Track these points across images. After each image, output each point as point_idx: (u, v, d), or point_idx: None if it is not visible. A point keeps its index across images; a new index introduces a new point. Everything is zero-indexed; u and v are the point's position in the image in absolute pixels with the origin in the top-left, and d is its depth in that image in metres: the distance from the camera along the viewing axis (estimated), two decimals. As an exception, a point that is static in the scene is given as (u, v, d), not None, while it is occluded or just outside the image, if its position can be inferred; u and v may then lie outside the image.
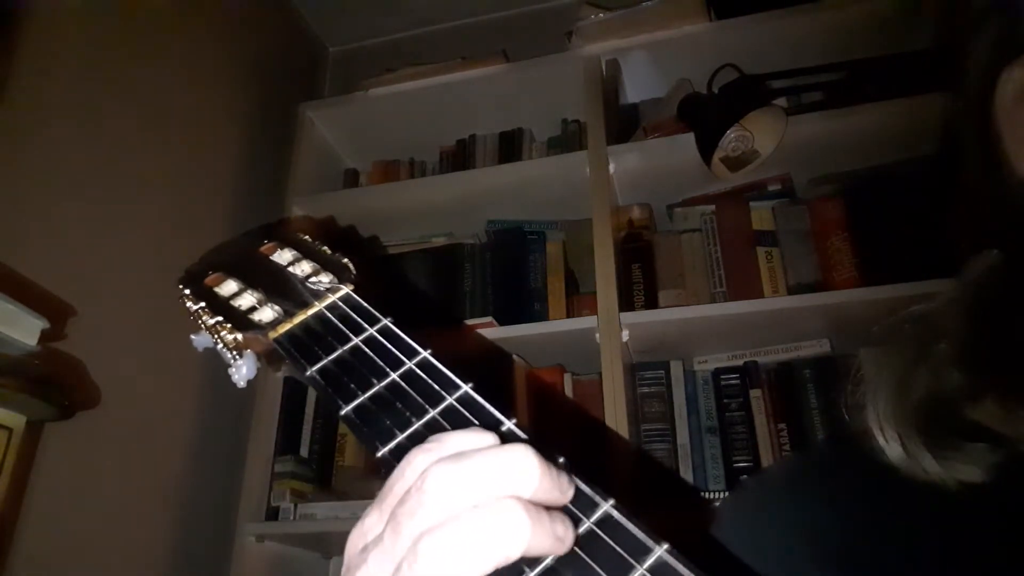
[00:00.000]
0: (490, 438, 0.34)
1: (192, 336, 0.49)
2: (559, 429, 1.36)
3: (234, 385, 0.49)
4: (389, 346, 0.42)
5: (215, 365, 1.54)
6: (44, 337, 0.99)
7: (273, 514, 1.35)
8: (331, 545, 1.46)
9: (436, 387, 0.40)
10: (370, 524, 0.33)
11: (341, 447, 1.44)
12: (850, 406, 0.46)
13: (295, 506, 1.35)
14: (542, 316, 1.42)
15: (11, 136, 1.13)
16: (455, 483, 0.31)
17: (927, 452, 0.41)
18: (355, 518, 1.17)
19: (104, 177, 1.29)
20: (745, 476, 1.24)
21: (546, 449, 0.34)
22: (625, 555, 0.31)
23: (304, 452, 1.44)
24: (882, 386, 0.45)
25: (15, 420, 1.00)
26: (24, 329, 0.97)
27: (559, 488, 0.32)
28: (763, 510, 0.46)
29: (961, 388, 0.42)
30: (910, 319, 0.47)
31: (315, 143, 1.72)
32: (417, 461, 0.33)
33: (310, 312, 0.45)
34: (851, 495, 0.44)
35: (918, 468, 0.41)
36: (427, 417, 0.38)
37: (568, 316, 1.41)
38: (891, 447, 0.43)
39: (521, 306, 1.44)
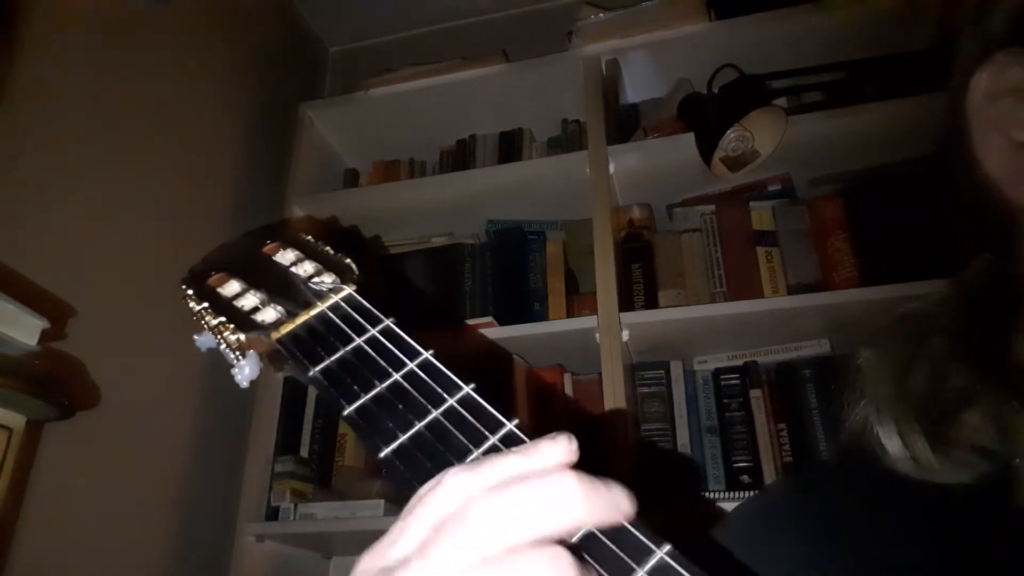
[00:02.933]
0: (535, 462, 0.32)
1: (195, 336, 0.49)
2: (560, 428, 1.36)
3: (236, 385, 0.49)
4: (391, 347, 0.42)
5: (215, 365, 1.53)
6: (44, 337, 0.99)
7: (273, 514, 1.35)
8: (331, 545, 1.46)
9: (438, 388, 0.40)
10: (394, 541, 0.31)
11: (341, 447, 1.44)
12: (847, 402, 0.47)
13: (295, 506, 1.35)
14: (542, 316, 1.42)
15: (11, 136, 1.12)
16: (501, 517, 0.29)
17: (923, 439, 0.41)
18: (355, 518, 1.16)
19: (104, 177, 1.29)
20: (743, 482, 1.24)
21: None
22: (625, 557, 0.31)
23: (304, 452, 1.44)
24: (881, 375, 0.45)
25: (15, 420, 1.00)
26: (24, 329, 0.97)
27: (615, 507, 0.31)
28: (758, 540, 0.46)
29: (957, 389, 0.42)
30: (904, 315, 0.47)
31: (315, 143, 1.72)
32: (458, 485, 0.31)
33: (313, 312, 0.45)
34: (846, 519, 0.43)
35: (910, 462, 0.42)
36: (429, 418, 0.38)
37: (568, 316, 1.41)
38: (887, 432, 0.43)
39: (521, 306, 1.44)
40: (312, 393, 1.50)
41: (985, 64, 0.41)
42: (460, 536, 0.29)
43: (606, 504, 0.30)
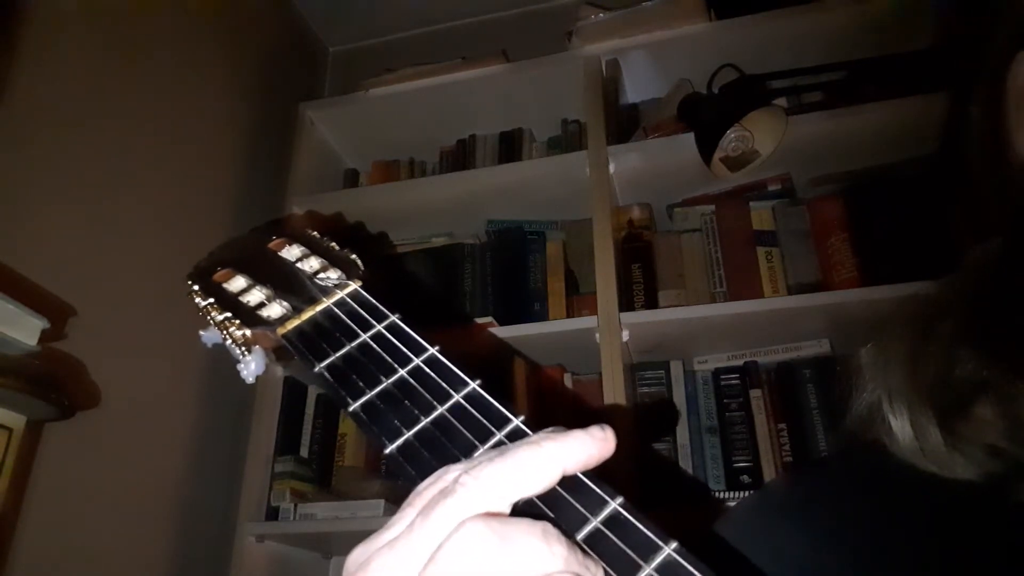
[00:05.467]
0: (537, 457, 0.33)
1: (201, 332, 0.49)
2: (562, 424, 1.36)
3: (237, 384, 0.49)
4: (397, 343, 0.42)
5: (215, 365, 1.53)
6: (44, 337, 0.99)
7: (273, 514, 1.35)
8: (331, 545, 1.46)
9: (444, 384, 0.39)
10: (386, 528, 0.32)
11: (341, 447, 1.44)
12: (854, 388, 0.46)
13: (295, 506, 1.34)
14: (542, 316, 1.42)
15: (11, 136, 1.12)
16: (485, 486, 0.31)
17: (937, 430, 0.41)
18: (355, 518, 1.16)
19: (104, 177, 1.29)
20: (743, 482, 1.24)
21: (601, 484, 0.33)
22: (632, 554, 0.31)
23: (304, 452, 1.44)
24: (892, 360, 0.44)
25: (15, 420, 1.00)
26: (24, 329, 0.96)
27: (589, 447, 0.33)
28: (759, 534, 0.46)
29: (967, 377, 0.42)
30: (911, 299, 0.47)
31: (315, 143, 1.72)
32: (447, 511, 0.31)
33: (319, 308, 0.45)
34: (848, 513, 0.43)
35: (919, 452, 0.41)
36: (435, 414, 0.38)
37: (568, 316, 1.41)
38: (899, 420, 0.42)
39: (521, 306, 1.44)
40: (312, 393, 1.50)
41: None
42: (446, 508, 0.30)
43: (583, 446, 0.33)
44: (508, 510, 0.31)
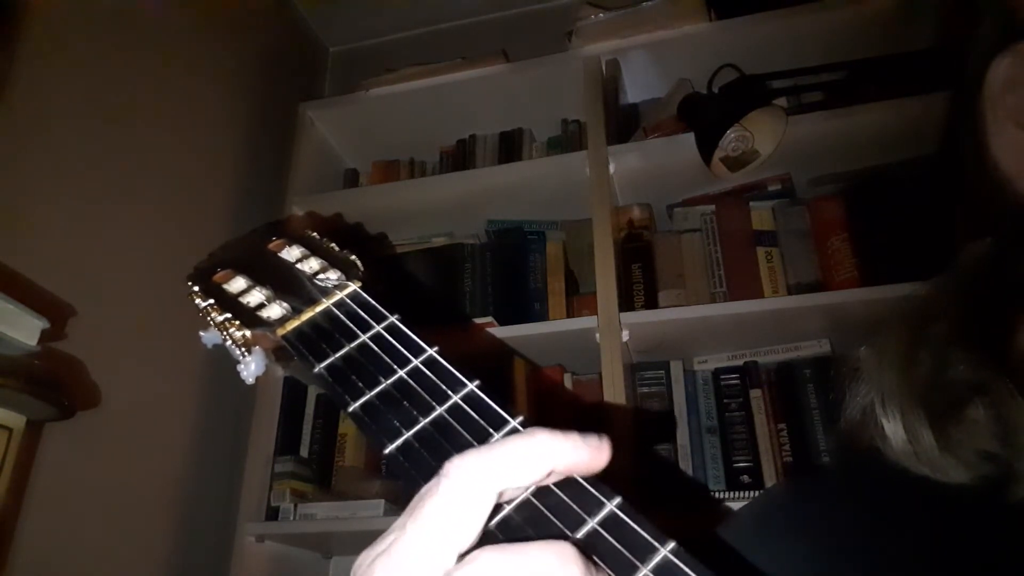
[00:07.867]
0: (535, 446, 0.32)
1: (201, 333, 0.49)
2: (561, 424, 1.36)
3: (237, 384, 0.49)
4: (396, 343, 0.42)
5: (215, 365, 1.53)
6: (44, 337, 0.99)
7: (273, 514, 1.35)
8: (331, 545, 1.46)
9: (443, 385, 0.39)
10: (391, 530, 0.32)
11: (341, 447, 1.44)
12: (848, 390, 0.46)
13: (295, 506, 1.34)
14: (542, 316, 1.42)
15: (11, 136, 1.12)
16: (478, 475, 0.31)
17: (930, 433, 0.41)
18: (355, 518, 1.16)
19: (104, 177, 1.29)
20: (743, 482, 1.24)
21: (598, 485, 0.33)
22: (629, 555, 0.30)
23: (304, 452, 1.44)
24: (885, 363, 0.44)
25: (15, 420, 1.00)
26: (24, 329, 0.97)
27: (583, 452, 0.32)
28: (758, 543, 0.45)
29: (960, 379, 0.42)
30: (904, 301, 0.47)
31: (315, 143, 1.72)
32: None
33: (318, 309, 0.45)
34: (845, 520, 0.43)
35: (912, 455, 0.41)
36: (434, 415, 0.38)
37: (568, 316, 1.41)
38: (892, 423, 0.42)
39: (521, 306, 1.44)
40: (312, 393, 1.50)
41: (1006, 52, 0.40)
42: (433, 502, 0.30)
43: (576, 450, 0.32)
44: (494, 498, 0.31)
